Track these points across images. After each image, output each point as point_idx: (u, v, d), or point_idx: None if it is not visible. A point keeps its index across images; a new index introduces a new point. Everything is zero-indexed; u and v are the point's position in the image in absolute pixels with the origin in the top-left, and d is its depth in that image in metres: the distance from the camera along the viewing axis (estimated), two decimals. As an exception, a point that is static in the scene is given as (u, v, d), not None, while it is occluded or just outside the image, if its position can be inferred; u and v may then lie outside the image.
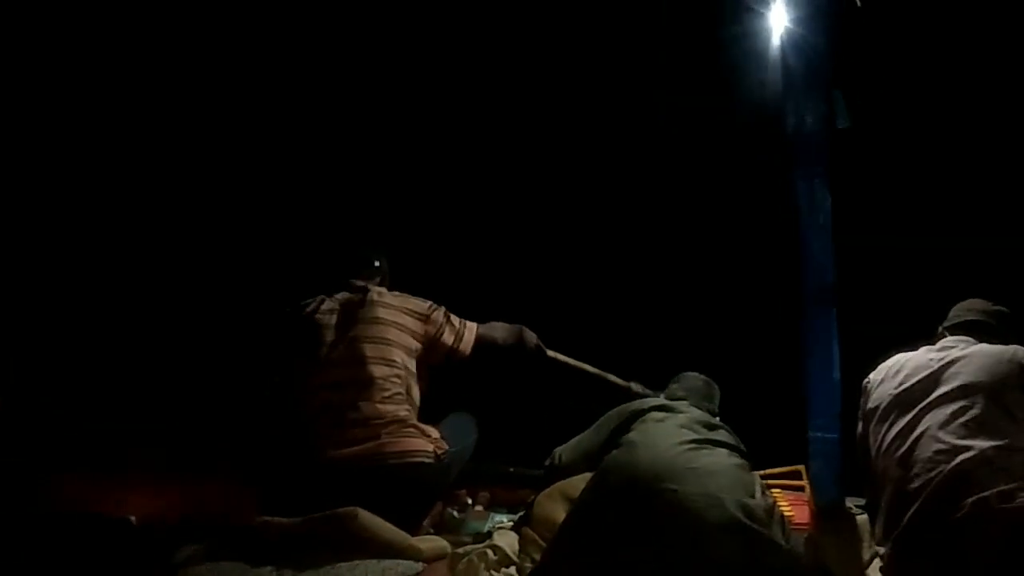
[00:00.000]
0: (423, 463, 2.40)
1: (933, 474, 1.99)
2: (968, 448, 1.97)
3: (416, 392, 2.57)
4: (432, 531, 2.60)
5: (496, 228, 4.00)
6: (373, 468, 2.34)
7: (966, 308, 2.40)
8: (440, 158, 4.15)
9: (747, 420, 2.47)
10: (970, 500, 1.90)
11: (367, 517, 2.11)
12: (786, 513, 2.38)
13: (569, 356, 2.97)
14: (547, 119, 3.89)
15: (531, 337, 2.83)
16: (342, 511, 2.10)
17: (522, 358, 2.82)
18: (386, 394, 2.44)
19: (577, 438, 2.61)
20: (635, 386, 3.01)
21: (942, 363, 2.16)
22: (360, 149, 4.24)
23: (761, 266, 3.26)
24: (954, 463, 1.96)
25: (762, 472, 2.49)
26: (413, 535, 2.24)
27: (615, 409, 2.55)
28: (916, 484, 2.03)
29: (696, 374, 2.78)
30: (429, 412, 2.61)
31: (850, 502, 2.75)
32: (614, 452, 2.26)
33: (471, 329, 2.68)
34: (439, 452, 2.46)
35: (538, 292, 3.28)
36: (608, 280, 3.69)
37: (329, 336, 2.54)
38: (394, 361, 2.50)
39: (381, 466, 2.35)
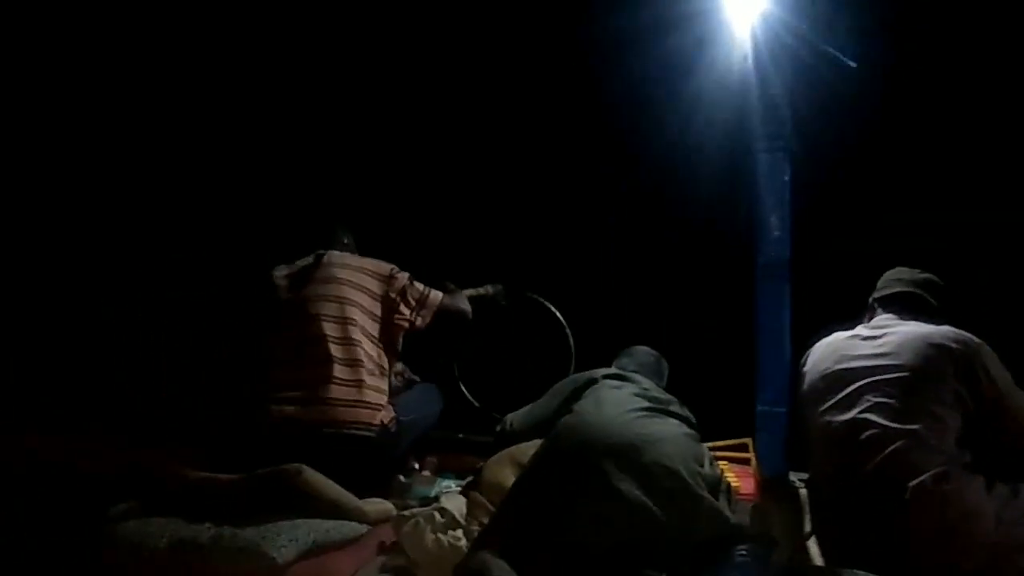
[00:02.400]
0: (363, 436, 2.35)
1: (870, 457, 2.03)
2: (902, 431, 2.01)
3: (375, 352, 2.50)
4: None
5: (455, 198, 3.96)
6: (312, 434, 2.30)
7: (893, 278, 2.39)
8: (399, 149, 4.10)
9: (696, 393, 2.49)
10: (911, 484, 1.94)
11: (312, 475, 2.07)
12: (733, 484, 2.41)
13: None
14: (499, 100, 3.86)
15: (496, 289, 2.95)
16: (286, 467, 2.05)
17: (493, 310, 2.85)
18: (338, 354, 2.38)
19: (530, 406, 2.60)
20: (489, 288, 3.07)
21: (873, 346, 2.18)
22: (326, 136, 4.17)
23: (714, 239, 3.29)
24: (891, 448, 2.01)
25: (710, 444, 2.52)
26: (359, 498, 2.21)
27: (569, 377, 2.55)
28: (853, 467, 2.07)
29: (646, 348, 2.78)
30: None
31: (794, 476, 2.81)
32: (566, 417, 2.26)
33: (435, 299, 2.63)
34: (385, 422, 2.40)
35: (492, 267, 3.25)
36: (559, 253, 3.69)
37: (283, 295, 2.47)
38: (349, 319, 2.44)
39: (320, 434, 2.30)
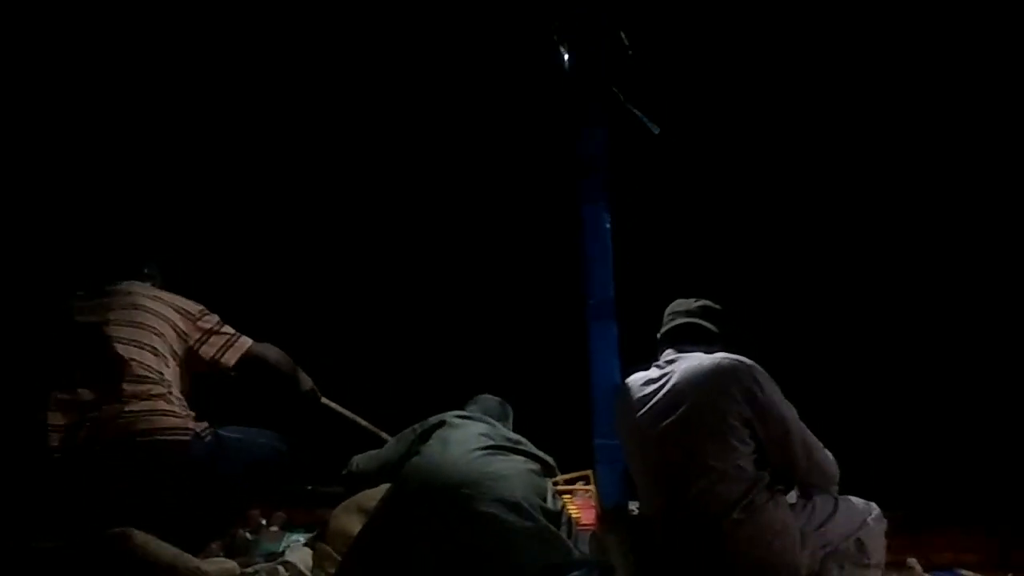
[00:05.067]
0: (177, 440, 2.18)
1: (681, 495, 2.15)
2: (704, 467, 2.11)
3: (178, 383, 2.34)
4: (222, 554, 2.47)
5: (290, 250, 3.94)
6: (119, 449, 2.11)
7: (671, 312, 2.49)
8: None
9: (540, 430, 2.61)
10: (724, 520, 2.08)
11: (142, 538, 1.97)
12: (574, 515, 2.53)
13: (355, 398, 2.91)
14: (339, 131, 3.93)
15: (306, 380, 2.70)
16: (113, 532, 1.94)
17: (295, 399, 2.71)
18: (137, 375, 2.22)
19: (377, 450, 2.62)
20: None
21: (661, 390, 2.28)
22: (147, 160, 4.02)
23: (545, 284, 3.48)
24: (699, 485, 2.11)
25: (554, 479, 2.64)
26: (199, 556, 2.12)
27: (417, 423, 2.60)
28: (668, 504, 2.21)
29: (490, 395, 2.89)
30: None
31: (633, 505, 2.97)
32: (413, 459, 2.31)
33: (243, 343, 2.50)
34: (198, 431, 2.25)
35: (324, 309, 3.26)
36: (402, 304, 3.75)
37: (79, 319, 2.30)
38: (150, 346, 2.29)
39: (130, 445, 2.12)
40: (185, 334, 2.38)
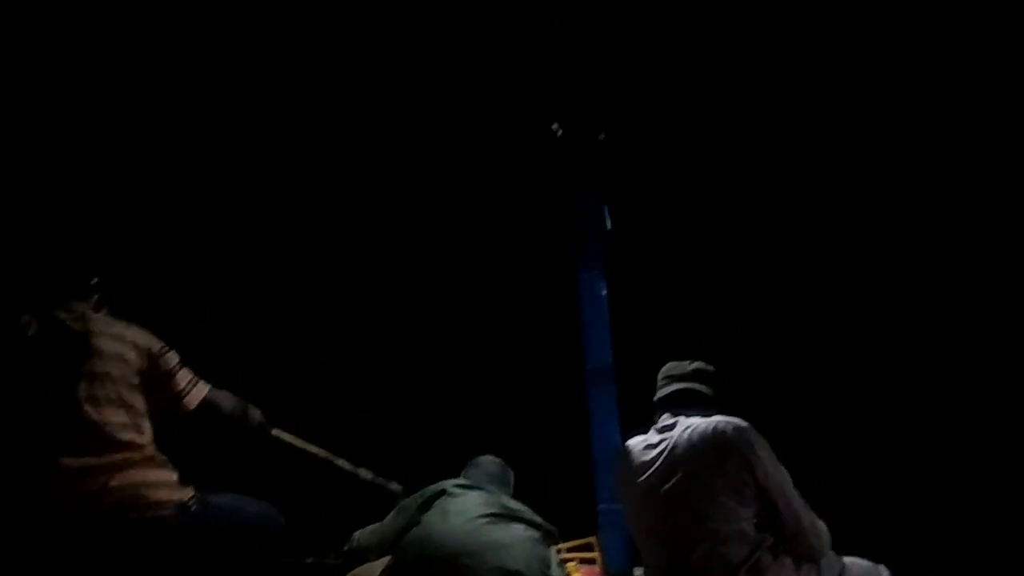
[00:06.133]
0: (168, 514, 2.09)
1: (691, 557, 2.12)
2: (708, 530, 2.11)
3: (151, 433, 2.24)
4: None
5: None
6: (108, 527, 2.03)
7: (666, 376, 2.48)
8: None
9: (542, 496, 2.61)
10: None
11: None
12: (579, 583, 2.51)
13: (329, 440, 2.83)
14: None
15: (255, 414, 2.59)
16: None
17: (244, 434, 2.66)
18: (116, 440, 2.13)
19: (379, 523, 2.61)
20: (363, 472, 2.87)
21: (662, 454, 2.28)
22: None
23: (546, 353, 3.51)
24: (703, 548, 2.10)
25: (559, 546, 2.62)
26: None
27: (417, 492, 2.59)
28: (677, 567, 2.17)
29: (491, 458, 2.87)
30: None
31: (639, 571, 2.94)
32: (413, 530, 2.31)
33: (202, 388, 2.39)
34: (184, 500, 2.14)
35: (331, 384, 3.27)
36: (402, 369, 3.77)
37: (39, 369, 2.17)
38: (119, 399, 2.19)
39: (119, 524, 2.04)
40: (145, 375, 2.26)
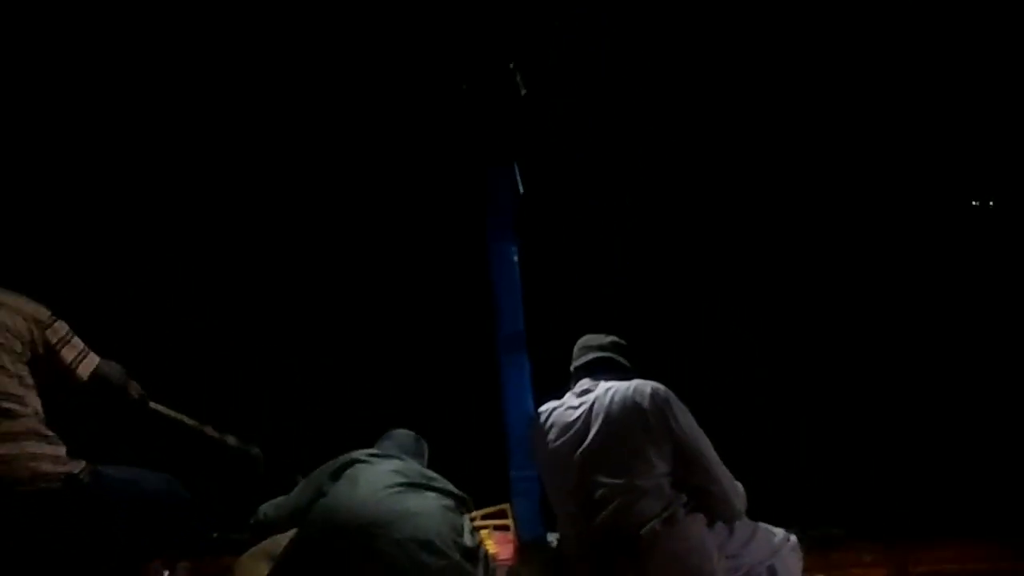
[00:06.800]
0: (45, 490, 2.01)
1: (600, 513, 2.18)
2: (623, 486, 2.18)
3: (37, 404, 2.16)
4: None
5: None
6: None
7: (584, 346, 2.53)
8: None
9: (454, 465, 2.60)
10: (642, 532, 2.12)
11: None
12: (492, 551, 2.51)
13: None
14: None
15: (135, 387, 2.52)
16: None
17: (123, 406, 2.60)
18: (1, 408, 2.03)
19: (286, 495, 2.55)
20: (230, 439, 2.82)
21: (582, 414, 2.33)
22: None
23: (457, 319, 3.50)
24: (616, 502, 2.16)
25: (473, 514, 2.62)
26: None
27: (326, 463, 2.54)
28: (588, 524, 2.21)
29: (405, 430, 2.84)
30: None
31: (552, 536, 2.97)
32: (321, 500, 2.25)
33: (93, 359, 2.33)
34: (75, 472, 2.07)
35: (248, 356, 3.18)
36: (313, 338, 3.70)
37: None
38: (3, 368, 2.10)
39: (8, 498, 1.95)
40: (34, 344, 2.19)
